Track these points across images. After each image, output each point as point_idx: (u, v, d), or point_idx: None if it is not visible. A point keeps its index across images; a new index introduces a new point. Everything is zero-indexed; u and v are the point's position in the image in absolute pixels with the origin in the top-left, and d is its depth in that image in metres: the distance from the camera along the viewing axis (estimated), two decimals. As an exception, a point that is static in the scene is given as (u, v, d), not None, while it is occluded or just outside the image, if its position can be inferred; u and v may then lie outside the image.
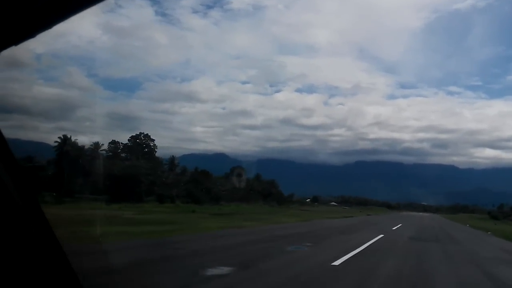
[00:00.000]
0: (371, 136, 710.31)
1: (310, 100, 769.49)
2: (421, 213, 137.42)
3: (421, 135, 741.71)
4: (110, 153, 63.76)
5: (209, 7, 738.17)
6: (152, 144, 68.44)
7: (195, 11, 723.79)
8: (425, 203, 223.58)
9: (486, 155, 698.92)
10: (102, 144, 60.04)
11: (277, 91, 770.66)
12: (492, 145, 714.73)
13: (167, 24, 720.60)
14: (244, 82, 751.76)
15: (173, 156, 74.12)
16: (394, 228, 31.32)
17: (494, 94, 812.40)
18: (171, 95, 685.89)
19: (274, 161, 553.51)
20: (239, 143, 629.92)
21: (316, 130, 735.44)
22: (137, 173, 51.00)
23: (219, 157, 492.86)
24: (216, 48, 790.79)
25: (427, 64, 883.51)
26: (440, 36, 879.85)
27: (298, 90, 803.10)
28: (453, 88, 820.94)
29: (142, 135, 68.46)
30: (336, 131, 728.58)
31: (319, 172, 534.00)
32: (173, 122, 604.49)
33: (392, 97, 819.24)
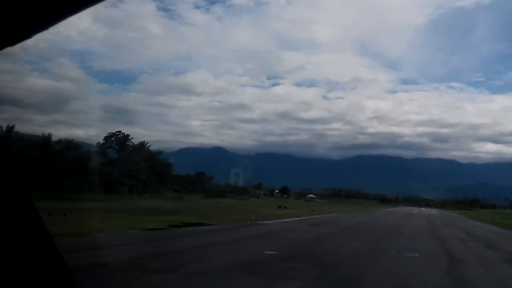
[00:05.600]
0: (371, 130, 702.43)
1: (309, 93, 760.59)
2: (423, 209, 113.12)
3: (422, 129, 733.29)
4: None
5: (212, 2, 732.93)
6: None
7: (197, 7, 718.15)
8: (426, 197, 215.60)
9: (488, 150, 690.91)
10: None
11: (275, 84, 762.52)
12: (494, 139, 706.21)
13: (169, 19, 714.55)
14: (241, 75, 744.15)
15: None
16: None
17: (497, 90, 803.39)
18: (167, 88, 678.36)
19: (272, 155, 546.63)
20: (237, 137, 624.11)
21: (314, 124, 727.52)
22: None
23: (217, 151, 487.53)
24: (218, 44, 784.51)
25: (430, 61, 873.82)
26: (444, 33, 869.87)
27: (297, 84, 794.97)
28: (455, 84, 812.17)
29: None
30: (335, 125, 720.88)
31: (317, 166, 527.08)
32: (169, 115, 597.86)
33: (392, 91, 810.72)
